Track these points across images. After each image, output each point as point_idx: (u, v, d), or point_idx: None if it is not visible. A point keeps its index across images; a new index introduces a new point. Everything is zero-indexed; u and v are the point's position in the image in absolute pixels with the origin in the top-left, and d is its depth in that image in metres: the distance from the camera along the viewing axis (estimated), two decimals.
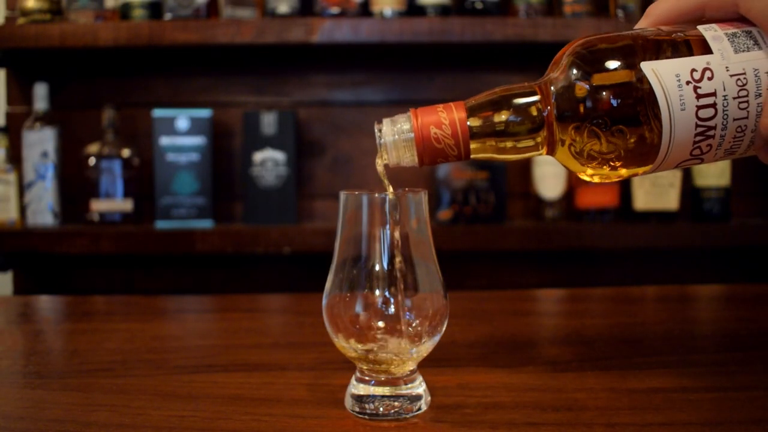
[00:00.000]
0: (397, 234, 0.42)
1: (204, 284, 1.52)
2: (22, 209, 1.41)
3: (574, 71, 0.40)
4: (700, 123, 0.39)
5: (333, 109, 1.53)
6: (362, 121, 1.53)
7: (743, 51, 0.39)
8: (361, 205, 0.42)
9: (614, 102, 0.39)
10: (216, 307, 0.82)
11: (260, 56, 1.46)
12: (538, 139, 0.42)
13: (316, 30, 1.30)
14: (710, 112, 0.39)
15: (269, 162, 1.40)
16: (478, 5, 1.36)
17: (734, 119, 0.39)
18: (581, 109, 0.40)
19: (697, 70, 0.39)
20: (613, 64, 0.40)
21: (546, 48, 1.37)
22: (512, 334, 0.64)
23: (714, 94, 0.38)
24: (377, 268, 0.42)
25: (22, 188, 1.41)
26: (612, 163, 0.41)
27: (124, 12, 1.36)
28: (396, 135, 0.42)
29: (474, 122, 0.41)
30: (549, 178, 1.42)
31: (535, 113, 0.42)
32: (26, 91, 1.47)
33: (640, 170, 0.41)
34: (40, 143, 1.40)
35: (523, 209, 1.52)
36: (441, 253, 0.44)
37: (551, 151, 0.43)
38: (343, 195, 0.43)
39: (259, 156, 1.41)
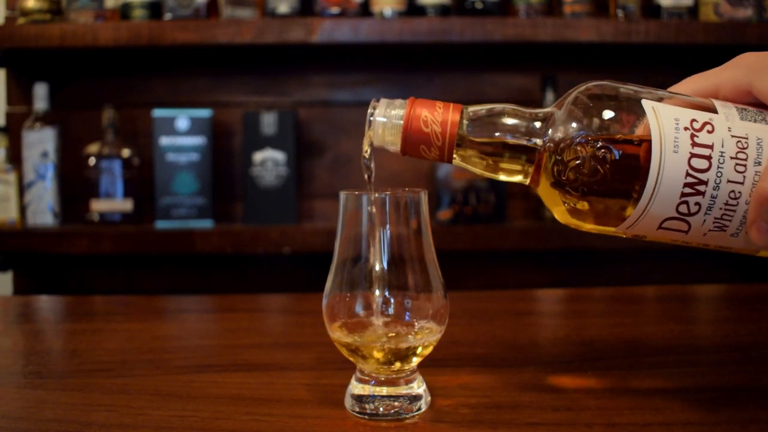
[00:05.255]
0: (396, 234, 0.42)
1: (204, 284, 1.52)
2: (22, 209, 1.41)
3: (574, 125, 0.39)
4: (691, 172, 0.37)
5: (333, 109, 1.53)
6: (362, 121, 1.52)
7: (750, 121, 0.38)
8: (361, 205, 0.42)
9: (607, 168, 0.38)
10: (216, 307, 0.82)
11: (260, 56, 1.46)
12: (525, 170, 0.42)
13: (316, 30, 1.30)
14: (704, 164, 0.37)
15: (269, 162, 1.40)
16: (478, 5, 1.36)
17: (728, 180, 0.37)
18: (574, 171, 0.39)
19: (697, 121, 0.38)
20: (613, 128, 0.39)
21: (546, 48, 1.37)
22: (512, 334, 0.64)
23: (711, 147, 0.37)
24: (377, 268, 0.42)
25: (22, 188, 1.41)
26: (594, 202, 0.40)
27: (124, 12, 1.36)
28: (386, 117, 0.42)
29: (467, 127, 0.41)
30: None
31: (527, 152, 0.41)
32: (26, 91, 1.47)
33: (618, 216, 0.39)
34: (40, 143, 1.40)
35: (523, 209, 1.52)
36: (441, 253, 0.44)
37: (534, 185, 0.42)
38: (343, 195, 0.43)
39: (259, 156, 1.41)
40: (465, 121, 0.41)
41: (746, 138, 0.37)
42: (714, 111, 0.38)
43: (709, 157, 0.37)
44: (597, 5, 1.37)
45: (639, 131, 0.38)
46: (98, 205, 1.40)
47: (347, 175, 1.53)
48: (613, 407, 0.43)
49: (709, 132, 0.37)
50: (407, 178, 1.53)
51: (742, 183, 0.37)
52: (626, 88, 0.40)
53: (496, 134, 0.41)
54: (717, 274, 1.51)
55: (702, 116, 0.38)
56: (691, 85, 0.41)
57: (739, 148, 0.37)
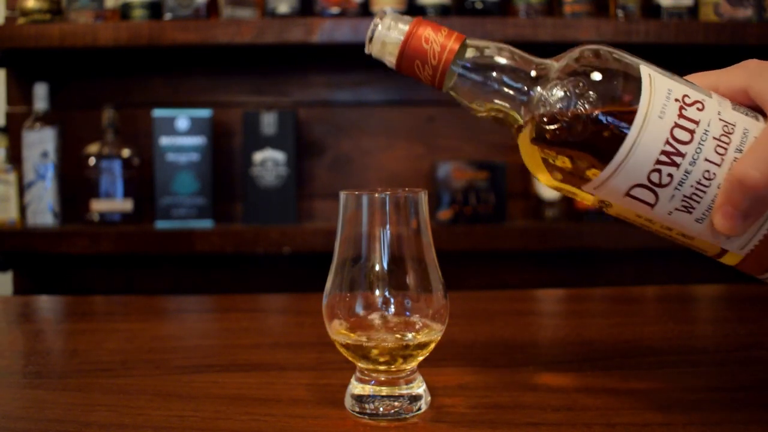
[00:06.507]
0: (396, 234, 0.42)
1: (204, 284, 1.52)
2: (22, 209, 1.41)
3: (568, 78, 0.39)
4: (671, 141, 0.37)
5: (333, 109, 1.53)
6: (362, 121, 1.53)
7: (741, 113, 0.38)
8: (361, 205, 0.42)
9: (589, 117, 0.38)
10: (216, 307, 0.82)
11: (260, 56, 1.46)
12: (511, 116, 0.42)
13: (316, 30, 1.30)
14: (686, 136, 0.37)
15: (269, 162, 1.40)
16: (478, 5, 1.36)
17: (706, 159, 0.37)
18: (557, 117, 0.39)
19: (689, 97, 0.38)
20: (607, 85, 0.39)
21: (546, 48, 1.37)
22: (512, 334, 0.64)
23: (697, 123, 0.37)
24: (377, 268, 0.42)
25: (22, 188, 1.41)
26: (570, 154, 0.39)
27: (124, 12, 1.36)
28: (390, 29, 0.42)
29: (463, 59, 0.41)
30: None
31: (515, 99, 0.41)
32: (26, 91, 1.47)
33: (592, 173, 0.39)
34: (40, 143, 1.40)
35: (523, 209, 1.52)
36: (441, 253, 0.44)
37: (517, 133, 0.43)
38: (343, 195, 0.43)
39: (259, 156, 1.41)
40: (463, 53, 0.41)
41: (733, 125, 0.38)
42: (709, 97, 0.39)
43: (692, 132, 0.37)
44: (597, 5, 1.37)
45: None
46: (98, 205, 1.40)
47: (347, 175, 1.53)
48: (613, 407, 0.43)
49: (698, 110, 0.38)
50: (407, 177, 1.53)
51: (719, 165, 0.37)
52: (629, 55, 0.40)
53: (490, 74, 0.42)
54: (717, 274, 1.51)
55: (696, 95, 0.38)
56: (692, 80, 0.42)
57: (724, 131, 0.37)
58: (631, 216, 0.41)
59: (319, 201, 1.53)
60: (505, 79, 0.41)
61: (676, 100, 0.38)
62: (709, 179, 0.37)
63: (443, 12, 1.35)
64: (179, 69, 1.51)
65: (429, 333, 0.43)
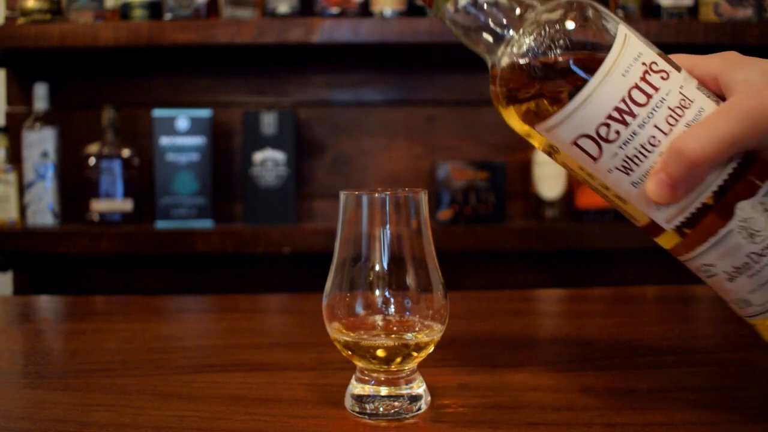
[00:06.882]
0: (396, 234, 0.42)
1: (204, 284, 1.52)
2: (22, 209, 1.41)
3: (548, 22, 0.40)
4: (626, 99, 0.38)
5: (333, 109, 1.53)
6: (362, 121, 1.53)
7: (703, 94, 0.39)
8: (361, 205, 0.42)
9: (559, 58, 0.39)
10: (216, 307, 0.82)
11: (260, 56, 1.46)
12: (488, 50, 0.43)
13: (316, 30, 1.30)
14: (642, 99, 0.38)
15: (269, 162, 1.40)
16: None
17: (655, 126, 0.37)
18: (528, 53, 0.40)
19: (657, 65, 0.39)
20: (584, 33, 0.39)
21: None
22: (512, 334, 0.64)
23: (656, 89, 0.38)
24: (377, 268, 0.42)
25: (22, 188, 1.41)
26: (533, 91, 0.40)
27: (124, 12, 1.36)
28: None
29: None
30: (549, 178, 1.42)
31: (495, 33, 0.42)
32: (26, 91, 1.47)
33: (548, 115, 0.40)
34: (40, 143, 1.40)
35: (523, 209, 1.52)
36: (441, 253, 0.44)
37: (492, 69, 0.43)
38: (343, 195, 0.43)
39: (259, 156, 1.41)
40: None
41: (692, 101, 0.38)
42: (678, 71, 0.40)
43: (649, 96, 0.38)
44: None
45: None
46: (98, 205, 1.40)
47: (347, 175, 1.53)
48: (613, 407, 0.43)
49: (662, 78, 0.38)
50: (407, 177, 1.53)
51: (666, 135, 0.38)
52: (613, 15, 0.41)
53: (479, 2, 0.42)
54: None
55: (664, 65, 0.39)
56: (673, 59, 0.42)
57: (680, 104, 0.38)
58: (574, 167, 0.41)
59: (319, 201, 1.53)
60: (493, 10, 0.42)
61: (644, 63, 0.38)
62: (653, 145, 0.38)
63: None
64: (179, 69, 1.51)
65: (429, 333, 0.43)
